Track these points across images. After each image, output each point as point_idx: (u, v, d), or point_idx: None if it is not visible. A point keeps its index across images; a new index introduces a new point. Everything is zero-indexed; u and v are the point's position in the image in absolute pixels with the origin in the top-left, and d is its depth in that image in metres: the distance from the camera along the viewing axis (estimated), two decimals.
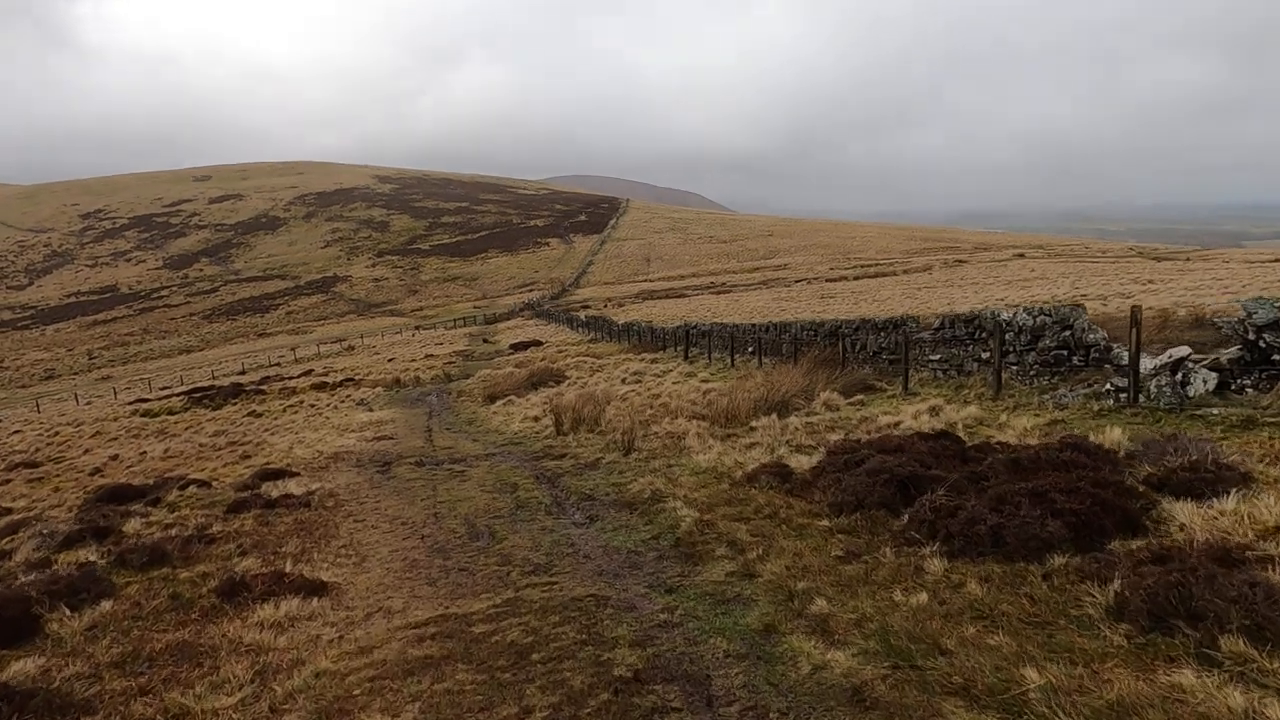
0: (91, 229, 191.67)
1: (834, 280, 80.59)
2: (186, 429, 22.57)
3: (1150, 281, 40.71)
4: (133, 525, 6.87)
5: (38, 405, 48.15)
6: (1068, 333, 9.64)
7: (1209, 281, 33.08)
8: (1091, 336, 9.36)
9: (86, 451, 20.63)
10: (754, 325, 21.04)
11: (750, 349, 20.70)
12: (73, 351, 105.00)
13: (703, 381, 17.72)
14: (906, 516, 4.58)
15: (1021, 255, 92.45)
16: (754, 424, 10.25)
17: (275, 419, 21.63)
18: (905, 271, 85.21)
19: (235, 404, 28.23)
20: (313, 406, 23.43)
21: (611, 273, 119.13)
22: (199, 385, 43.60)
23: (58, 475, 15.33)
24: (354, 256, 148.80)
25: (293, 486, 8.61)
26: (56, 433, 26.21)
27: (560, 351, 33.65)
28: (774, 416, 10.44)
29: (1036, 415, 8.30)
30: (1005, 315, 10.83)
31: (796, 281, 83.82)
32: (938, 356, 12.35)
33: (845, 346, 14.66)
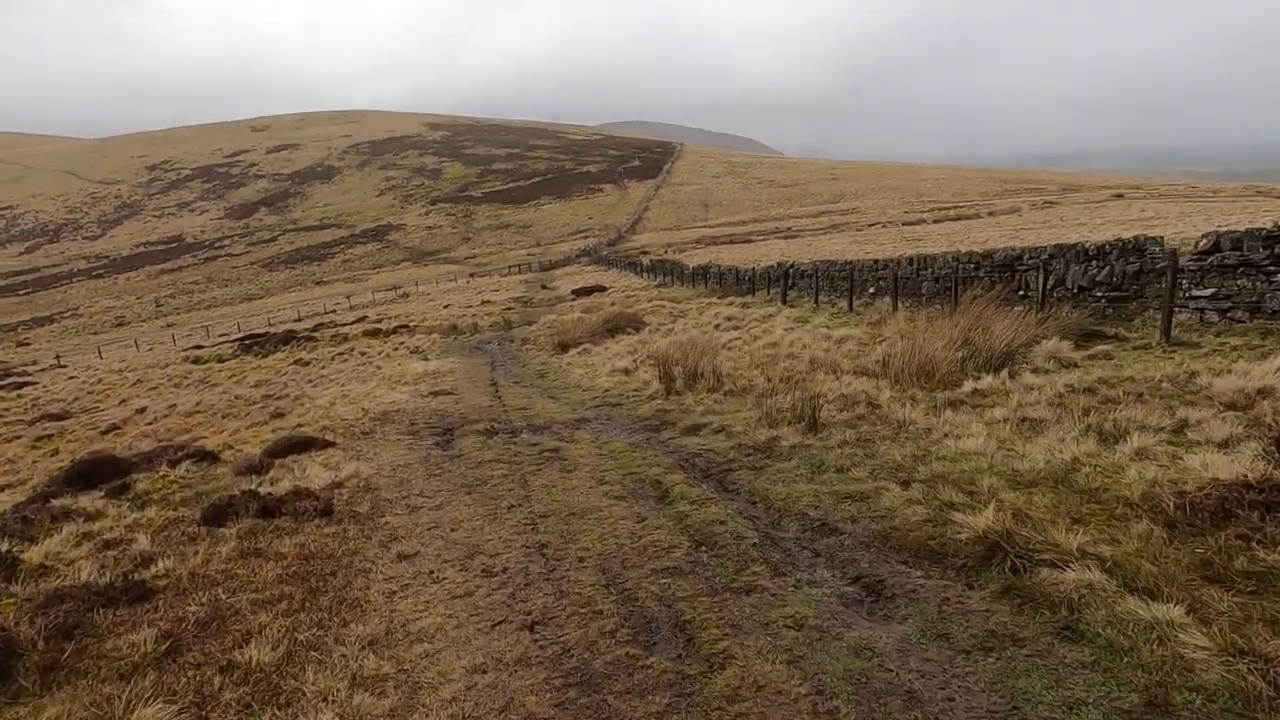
0: (158, 180, 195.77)
1: (912, 224, 74.87)
2: (229, 378, 20.51)
3: None
4: (49, 545, 4.21)
5: (99, 351, 48.00)
6: None
7: None
8: None
9: (122, 401, 18.74)
10: (876, 262, 17.44)
11: (871, 290, 17.18)
12: (141, 299, 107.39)
13: (825, 328, 14.40)
14: None
15: (1120, 196, 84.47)
16: (971, 385, 7.00)
17: (322, 368, 19.30)
18: (990, 214, 78.73)
19: (284, 351, 26.26)
20: (363, 354, 21.05)
21: (668, 218, 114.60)
22: (254, 332, 42.37)
23: (72, 431, 13.22)
24: (407, 205, 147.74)
25: (316, 472, 5.84)
26: (100, 380, 24.70)
27: (629, 296, 30.56)
28: (1003, 375, 7.15)
29: None
30: None
31: (870, 225, 78.32)
32: (1207, 292, 8.74)
33: (1042, 282, 11.06)
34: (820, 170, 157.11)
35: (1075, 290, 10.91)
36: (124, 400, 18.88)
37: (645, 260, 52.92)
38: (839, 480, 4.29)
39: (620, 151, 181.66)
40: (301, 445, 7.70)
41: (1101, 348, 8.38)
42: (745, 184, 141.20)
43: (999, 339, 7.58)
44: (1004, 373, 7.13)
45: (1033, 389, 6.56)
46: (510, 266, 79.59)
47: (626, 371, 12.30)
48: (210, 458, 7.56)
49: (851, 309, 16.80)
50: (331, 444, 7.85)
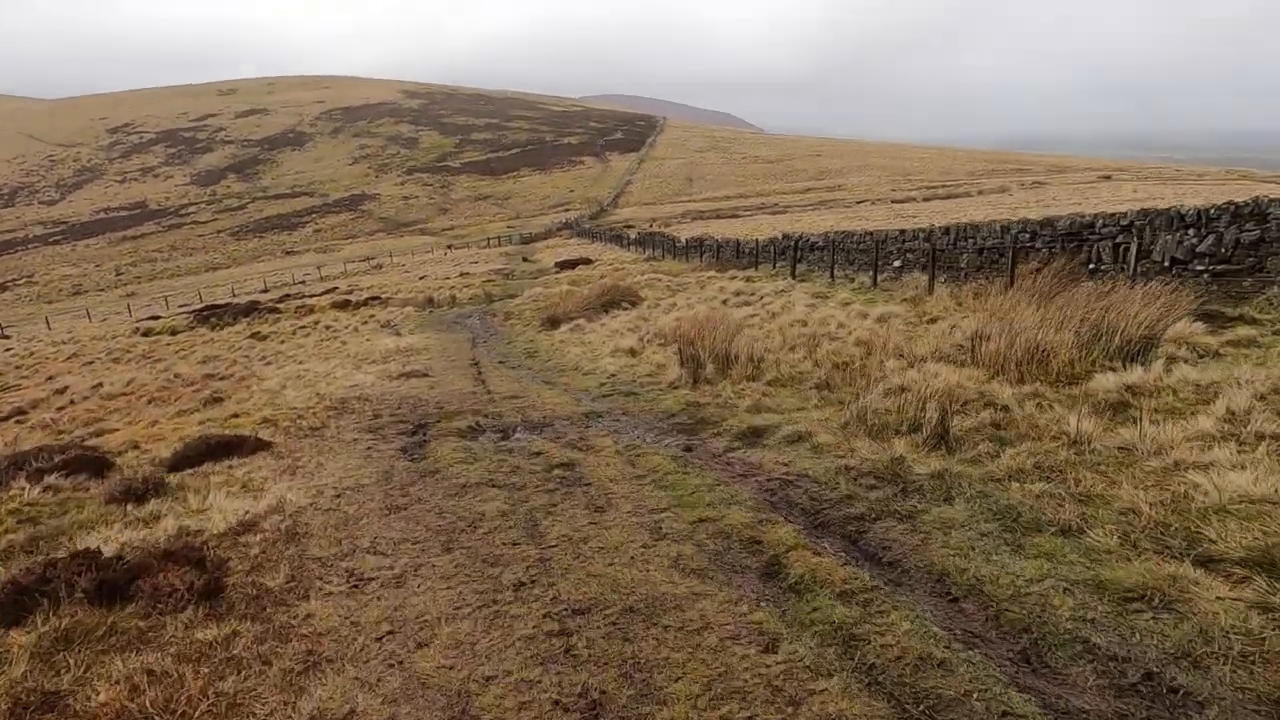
0: (120, 144, 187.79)
1: (901, 201, 73.47)
2: (175, 352, 18.34)
3: None
4: None
5: (48, 322, 44.95)
6: None
7: None
8: None
9: (48, 379, 16.54)
10: (903, 232, 15.75)
11: (897, 263, 15.51)
12: (101, 268, 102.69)
13: (856, 305, 12.70)
14: None
15: (1108, 178, 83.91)
16: (1113, 379, 5.33)
17: (280, 343, 17.23)
18: (980, 193, 77.78)
19: (243, 324, 24.03)
20: (328, 328, 18.97)
21: (651, 193, 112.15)
22: (215, 303, 39.80)
23: None
24: (382, 174, 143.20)
25: (222, 501, 4.00)
26: (33, 353, 22.31)
27: (618, 270, 28.65)
28: (1154, 367, 5.47)
29: None
30: None
31: (858, 202, 76.86)
32: None
33: (1135, 252, 9.40)
34: (805, 147, 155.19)
35: (1167, 263, 9.28)
36: (51, 377, 16.69)
37: (632, 233, 50.90)
38: (1074, 551, 2.56)
39: (602, 124, 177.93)
40: (224, 448, 5.82)
41: (1242, 332, 6.75)
42: (730, 159, 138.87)
43: (1138, 320, 5.88)
44: (1156, 365, 5.45)
45: (1213, 387, 4.88)
46: (489, 238, 76.99)
47: (632, 352, 10.51)
48: (96, 465, 5.65)
49: (876, 284, 15.13)
50: (267, 445, 5.98)
